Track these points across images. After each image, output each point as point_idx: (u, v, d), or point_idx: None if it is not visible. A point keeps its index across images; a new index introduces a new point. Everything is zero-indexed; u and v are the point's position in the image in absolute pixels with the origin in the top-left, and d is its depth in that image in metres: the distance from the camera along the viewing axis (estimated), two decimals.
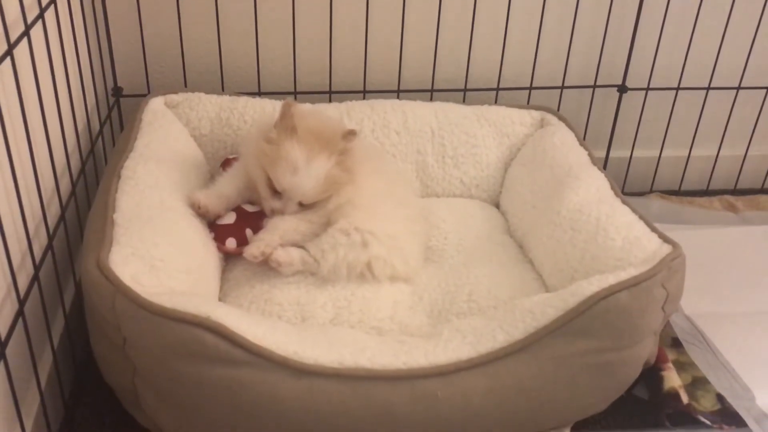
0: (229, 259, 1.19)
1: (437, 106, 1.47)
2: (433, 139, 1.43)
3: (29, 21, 0.97)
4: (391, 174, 1.33)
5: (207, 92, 1.41)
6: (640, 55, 1.58)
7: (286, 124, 1.13)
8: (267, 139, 1.14)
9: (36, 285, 0.97)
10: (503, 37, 1.53)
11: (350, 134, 1.15)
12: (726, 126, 1.68)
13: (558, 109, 1.56)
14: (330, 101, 1.50)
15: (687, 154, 1.70)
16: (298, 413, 0.91)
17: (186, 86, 1.49)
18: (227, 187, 1.20)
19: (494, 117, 1.46)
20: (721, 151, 1.71)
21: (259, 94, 1.49)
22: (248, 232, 1.17)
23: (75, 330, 1.12)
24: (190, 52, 1.48)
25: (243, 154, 1.23)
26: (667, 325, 1.27)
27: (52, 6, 1.12)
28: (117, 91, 1.47)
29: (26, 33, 0.96)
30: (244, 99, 1.41)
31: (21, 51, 0.95)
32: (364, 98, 1.51)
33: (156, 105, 1.35)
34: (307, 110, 1.24)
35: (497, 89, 1.58)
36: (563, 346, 0.97)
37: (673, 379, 1.14)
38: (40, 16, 1.03)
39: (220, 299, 1.13)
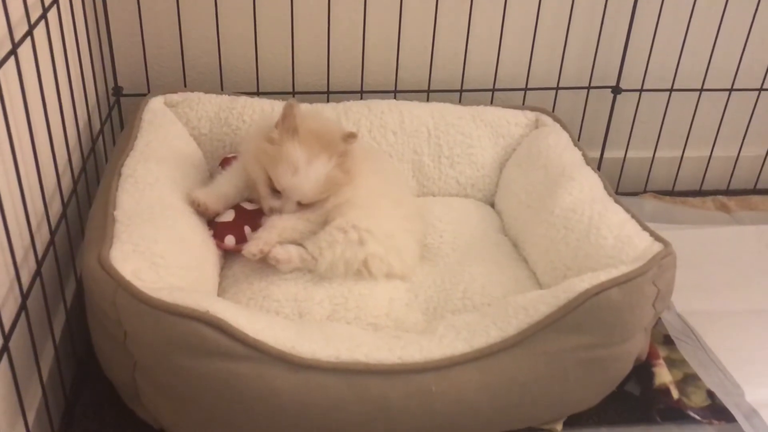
0: (227, 256, 1.21)
1: (433, 106, 1.49)
2: (430, 140, 1.45)
3: (32, 21, 0.99)
4: (388, 173, 1.35)
5: (206, 92, 1.43)
6: (634, 56, 1.59)
7: (287, 125, 1.14)
8: (268, 139, 1.15)
9: (38, 280, 0.98)
10: (499, 39, 1.55)
11: (350, 137, 1.16)
12: (719, 127, 1.69)
13: (553, 110, 1.58)
14: (328, 101, 1.52)
15: (680, 155, 1.72)
16: (294, 406, 0.93)
17: (185, 86, 1.50)
18: (226, 185, 1.22)
19: (490, 118, 1.48)
20: (714, 152, 1.73)
21: (258, 94, 1.51)
22: (247, 229, 1.19)
23: (76, 325, 1.13)
24: (189, 53, 1.50)
25: (242, 153, 1.25)
26: (659, 323, 1.28)
27: (55, 6, 1.14)
28: (117, 91, 1.48)
29: (30, 33, 0.97)
30: (243, 99, 1.43)
31: (24, 50, 0.96)
32: (361, 98, 1.52)
33: (156, 104, 1.37)
34: (308, 111, 1.25)
35: (493, 90, 1.59)
36: (555, 341, 0.99)
37: (664, 375, 1.15)
38: (43, 16, 1.05)
39: (218, 295, 1.14)
